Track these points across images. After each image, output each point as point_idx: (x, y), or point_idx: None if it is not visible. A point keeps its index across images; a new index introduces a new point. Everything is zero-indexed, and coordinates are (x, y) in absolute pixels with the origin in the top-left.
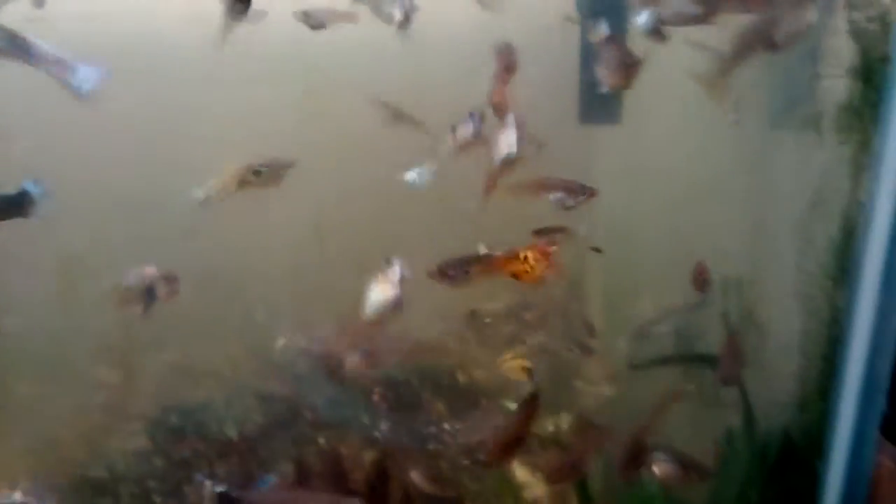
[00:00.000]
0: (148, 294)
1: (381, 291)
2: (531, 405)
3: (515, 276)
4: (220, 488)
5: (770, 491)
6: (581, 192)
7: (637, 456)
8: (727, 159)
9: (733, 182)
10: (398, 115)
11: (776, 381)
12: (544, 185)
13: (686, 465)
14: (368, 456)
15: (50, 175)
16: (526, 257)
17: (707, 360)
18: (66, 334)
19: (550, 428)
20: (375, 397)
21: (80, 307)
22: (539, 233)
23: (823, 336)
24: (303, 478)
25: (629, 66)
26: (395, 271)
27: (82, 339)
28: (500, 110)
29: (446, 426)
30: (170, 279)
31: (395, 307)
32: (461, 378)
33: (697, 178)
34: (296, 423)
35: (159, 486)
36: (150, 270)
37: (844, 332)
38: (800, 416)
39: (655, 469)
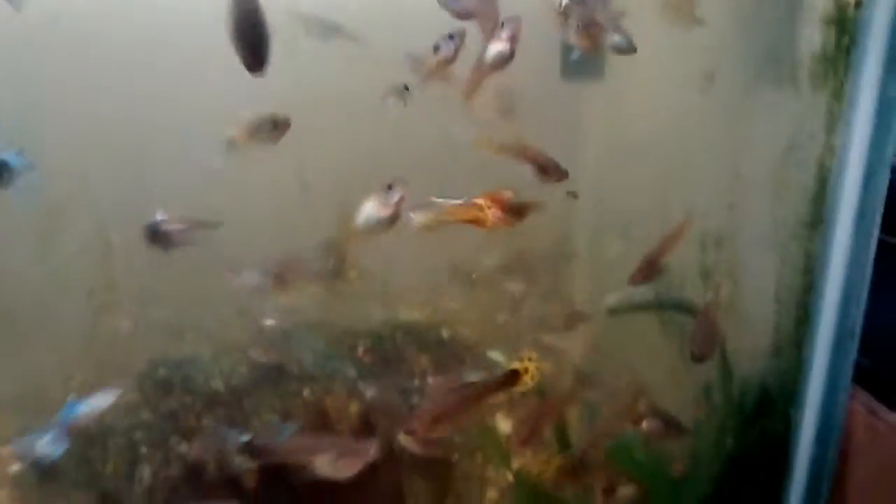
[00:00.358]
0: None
1: (375, 207)
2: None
3: (472, 222)
4: (245, 437)
5: (746, 438)
6: (554, 173)
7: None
8: (705, 111)
9: (710, 133)
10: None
11: (752, 331)
12: (524, 154)
13: (668, 422)
14: (353, 408)
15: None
16: (481, 205)
17: (685, 308)
18: (56, 284)
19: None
20: (360, 351)
21: (70, 256)
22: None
23: (798, 284)
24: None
25: (594, 29)
26: (394, 195)
27: (71, 290)
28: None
29: (430, 380)
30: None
31: (389, 223)
32: (445, 334)
33: (676, 131)
34: (281, 376)
35: (146, 437)
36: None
37: (817, 280)
38: (775, 365)
39: (645, 425)
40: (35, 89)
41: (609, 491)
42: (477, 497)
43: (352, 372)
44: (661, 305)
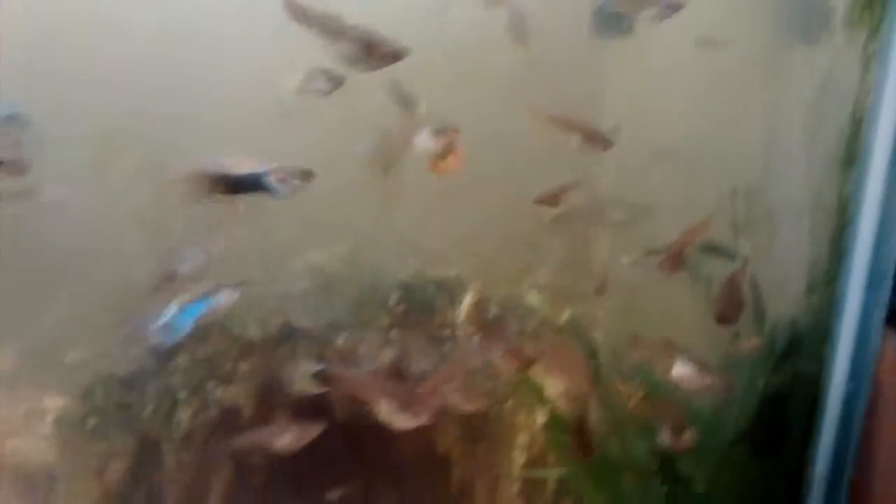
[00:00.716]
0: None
1: (427, 140)
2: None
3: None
4: (319, 367)
5: (776, 379)
6: (599, 142)
7: None
8: (738, 59)
9: (742, 78)
10: None
11: (785, 270)
12: (570, 124)
13: (707, 372)
14: (386, 355)
15: None
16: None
17: (718, 251)
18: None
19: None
20: (392, 302)
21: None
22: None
23: (832, 223)
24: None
25: None
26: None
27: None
28: None
29: (459, 332)
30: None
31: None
32: (475, 288)
33: (706, 80)
34: (315, 325)
35: (183, 382)
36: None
37: (852, 219)
38: (808, 304)
39: (675, 372)
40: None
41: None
42: (508, 442)
43: (385, 320)
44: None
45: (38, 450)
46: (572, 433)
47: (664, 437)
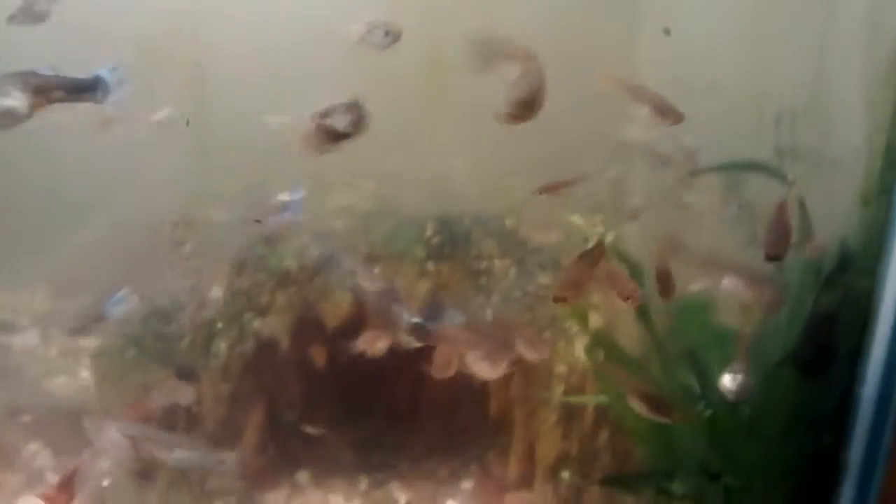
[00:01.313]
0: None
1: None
2: (598, 251)
3: None
4: (416, 319)
5: (825, 297)
6: (670, 115)
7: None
8: None
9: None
10: None
11: (835, 187)
12: (642, 95)
13: (755, 283)
14: (423, 286)
15: None
16: None
17: (760, 167)
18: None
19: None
20: (428, 233)
21: None
22: None
23: (887, 133)
24: (359, 306)
25: None
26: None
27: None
28: None
29: (497, 262)
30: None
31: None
32: (509, 223)
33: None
34: (353, 256)
35: (220, 314)
36: None
37: None
38: (860, 218)
39: (724, 284)
40: None
41: None
42: (547, 372)
43: (421, 252)
44: (735, 167)
45: (77, 387)
46: (657, 277)
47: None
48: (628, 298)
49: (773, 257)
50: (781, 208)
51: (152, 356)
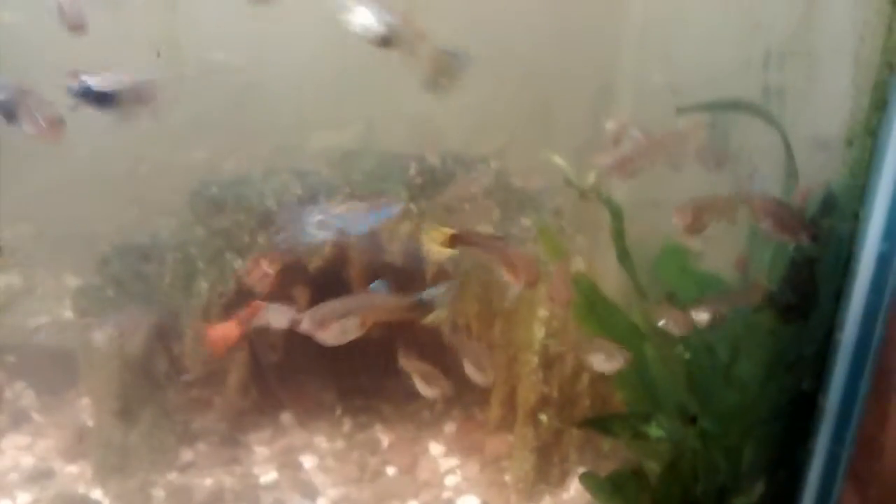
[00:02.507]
0: None
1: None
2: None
3: None
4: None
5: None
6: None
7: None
8: None
9: None
10: None
11: (821, 127)
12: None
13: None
14: (404, 228)
15: None
16: None
17: (750, 108)
18: None
19: None
20: (411, 173)
21: None
22: None
23: (874, 72)
24: (341, 247)
25: None
26: None
27: None
28: None
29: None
30: None
31: None
32: (493, 165)
33: None
34: (333, 195)
35: (200, 254)
36: None
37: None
38: (844, 159)
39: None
40: None
41: None
42: (528, 317)
43: (403, 192)
44: (726, 106)
45: (59, 326)
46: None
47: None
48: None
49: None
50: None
51: (132, 296)
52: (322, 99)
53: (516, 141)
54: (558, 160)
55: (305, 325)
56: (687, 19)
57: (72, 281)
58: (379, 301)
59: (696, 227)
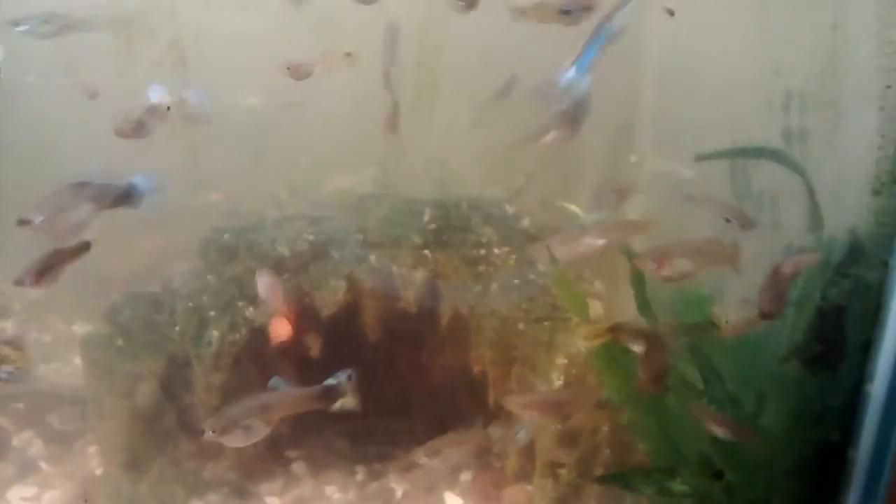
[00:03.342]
0: None
1: None
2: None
3: None
4: None
5: (834, 289)
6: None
7: None
8: None
9: None
10: None
11: (846, 174)
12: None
13: None
14: (420, 275)
15: None
16: None
17: (773, 155)
18: None
19: None
20: (426, 219)
21: None
22: None
23: None
24: (355, 294)
25: None
26: None
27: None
28: None
29: (496, 251)
30: None
31: None
32: (509, 209)
33: None
34: (347, 242)
35: (212, 302)
36: None
37: None
38: (871, 208)
39: None
40: None
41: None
42: (546, 363)
43: (418, 239)
44: (742, 153)
45: (69, 373)
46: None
47: None
48: None
49: (766, 316)
50: (777, 271)
51: (141, 345)
52: (338, 139)
53: (533, 181)
54: (575, 208)
55: (207, 435)
56: (707, 57)
57: (81, 328)
58: (282, 397)
59: (670, 272)
